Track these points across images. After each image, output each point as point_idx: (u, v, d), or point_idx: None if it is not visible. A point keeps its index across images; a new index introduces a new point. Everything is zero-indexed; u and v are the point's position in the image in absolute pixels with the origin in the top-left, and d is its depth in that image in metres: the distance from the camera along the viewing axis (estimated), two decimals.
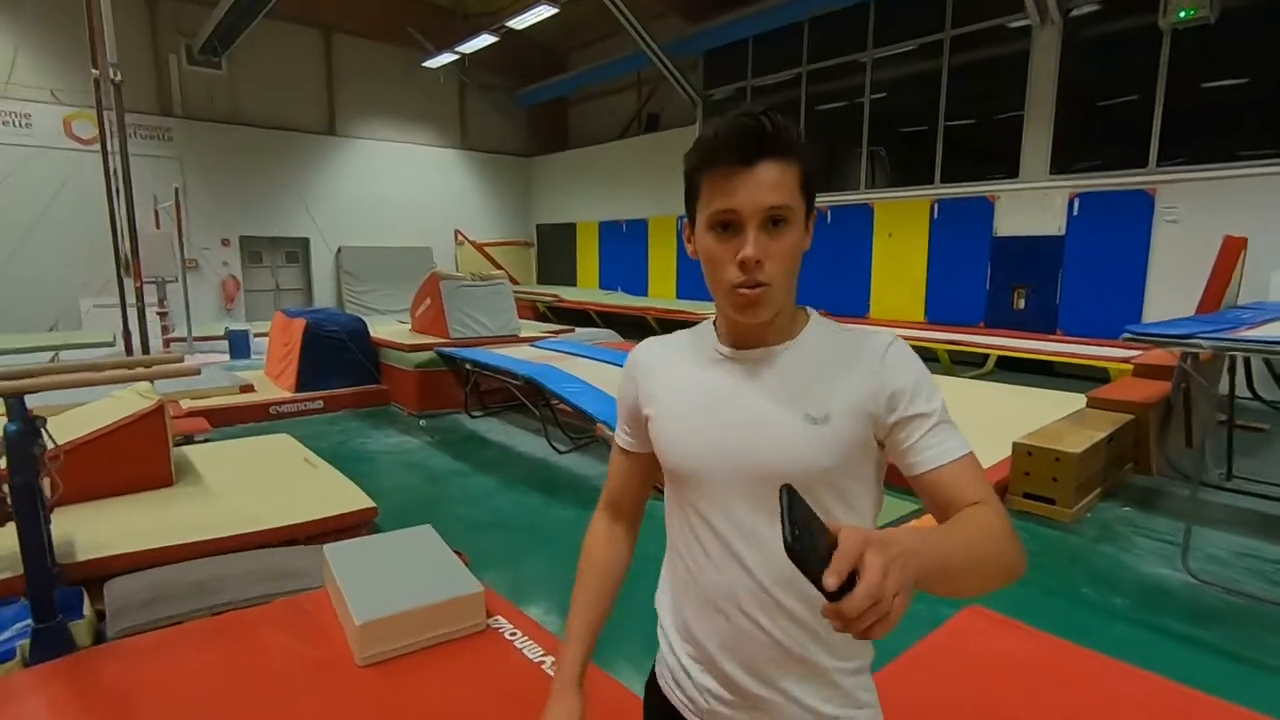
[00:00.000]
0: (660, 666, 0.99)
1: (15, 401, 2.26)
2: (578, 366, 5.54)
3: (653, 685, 1.00)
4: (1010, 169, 8.42)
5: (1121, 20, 7.50)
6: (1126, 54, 7.47)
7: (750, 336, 0.86)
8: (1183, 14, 6.76)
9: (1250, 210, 6.69)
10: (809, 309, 0.90)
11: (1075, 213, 7.88)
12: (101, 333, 8.88)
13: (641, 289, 13.45)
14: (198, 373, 2.51)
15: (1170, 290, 7.23)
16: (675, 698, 0.94)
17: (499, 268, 14.22)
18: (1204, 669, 2.40)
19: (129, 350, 5.75)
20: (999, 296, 8.54)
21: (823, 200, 10.17)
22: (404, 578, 2.33)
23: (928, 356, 8.16)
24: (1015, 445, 3.83)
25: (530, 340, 7.05)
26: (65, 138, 10.49)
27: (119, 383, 2.64)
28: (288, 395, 6.11)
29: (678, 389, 0.90)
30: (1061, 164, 7.99)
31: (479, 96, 15.07)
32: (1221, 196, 6.90)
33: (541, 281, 15.93)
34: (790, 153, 0.78)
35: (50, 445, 2.42)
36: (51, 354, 7.47)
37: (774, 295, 0.81)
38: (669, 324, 11.37)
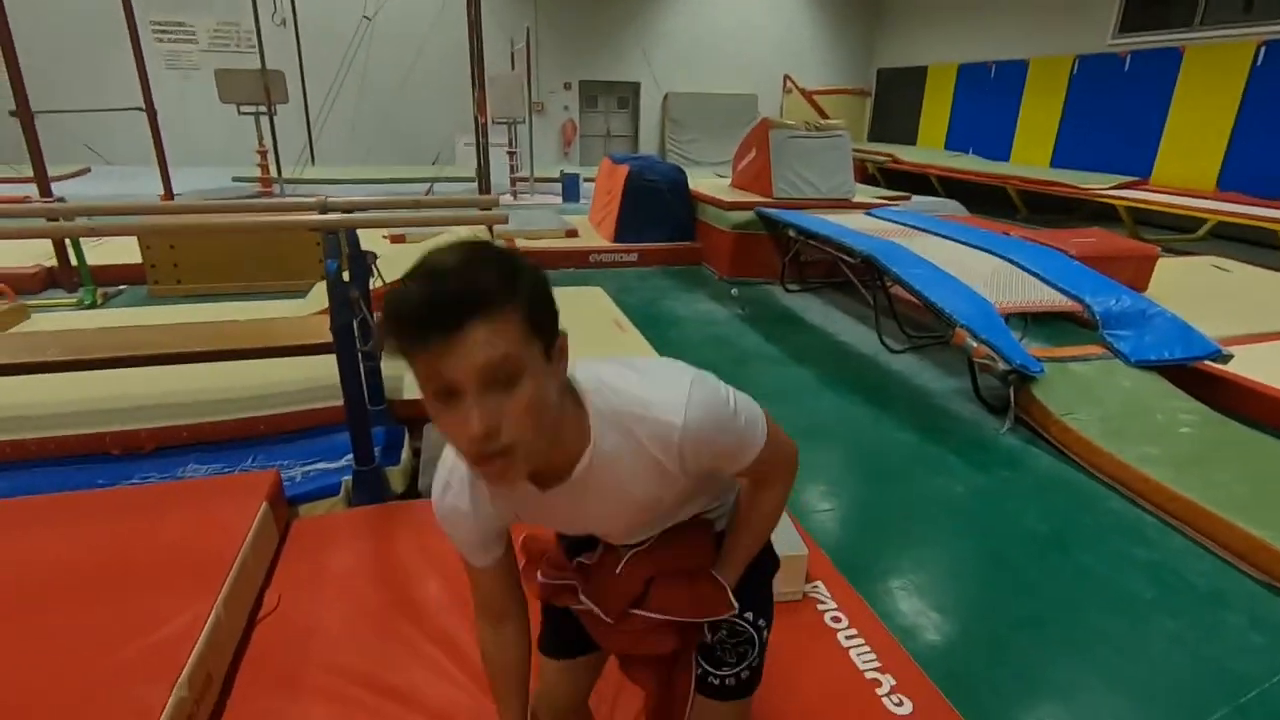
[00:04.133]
0: None
1: (346, 235, 2.17)
2: (926, 246, 4.43)
3: None
4: None
5: None
6: None
7: (536, 471, 0.80)
8: None
9: None
10: (575, 382, 0.80)
11: None
12: (468, 169, 9.99)
13: (1002, 152, 10.90)
14: (504, 218, 2.22)
15: None
16: None
17: (826, 119, 12.71)
18: None
19: (481, 186, 6.18)
20: None
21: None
22: None
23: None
24: None
25: (865, 207, 5.97)
26: None
27: (425, 224, 2.48)
28: (606, 245, 6.07)
29: (507, 510, 0.89)
30: None
31: None
32: None
33: (874, 138, 13.95)
34: (495, 305, 0.63)
35: (377, 281, 2.36)
36: (428, 185, 8.52)
37: (523, 456, 0.69)
38: (1034, 198, 9.07)
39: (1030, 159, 10.37)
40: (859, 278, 4.35)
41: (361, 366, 2.25)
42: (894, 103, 13.64)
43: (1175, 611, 1.99)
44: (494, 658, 1.00)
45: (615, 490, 0.83)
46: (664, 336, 4.21)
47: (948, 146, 12.11)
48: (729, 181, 6.87)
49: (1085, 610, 2.01)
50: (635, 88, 13.25)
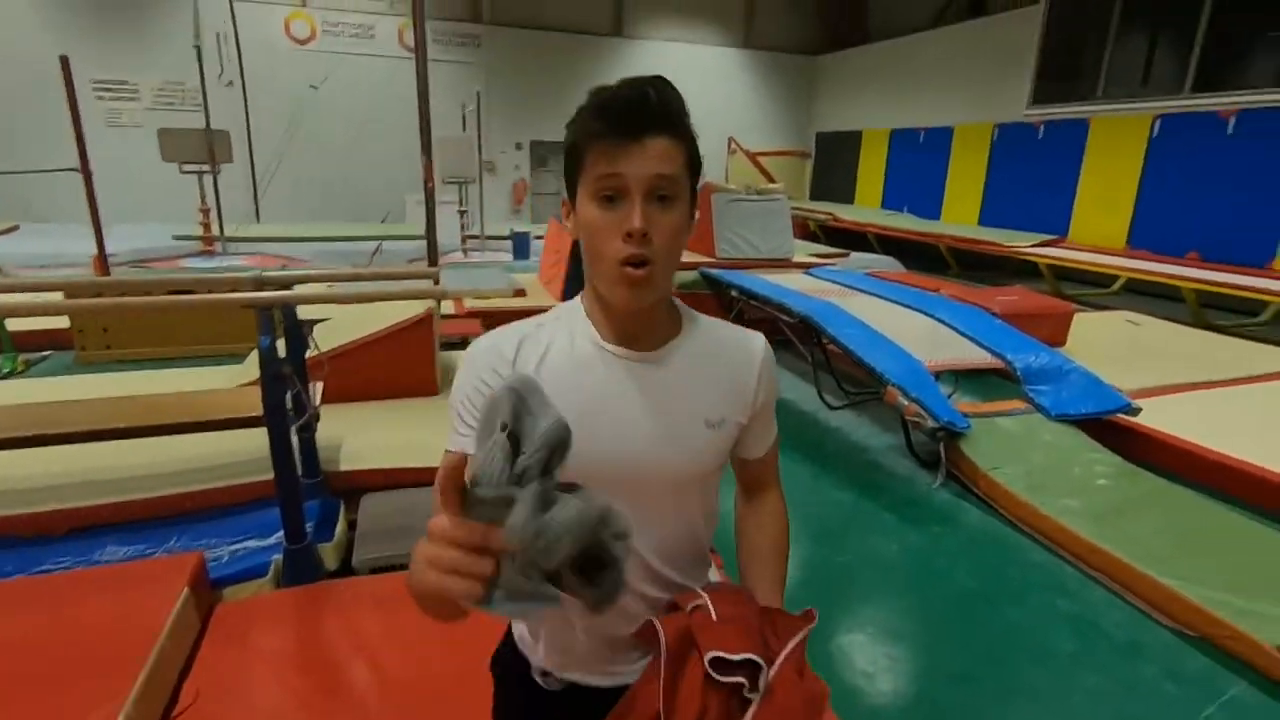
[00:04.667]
0: (530, 650, 0.90)
1: (282, 311, 2.16)
2: (861, 305, 4.63)
3: (508, 669, 0.94)
4: None
5: None
6: None
7: (636, 329, 0.82)
8: None
9: None
10: (673, 299, 0.88)
11: None
12: (419, 226, 10.01)
13: (934, 211, 11.54)
14: (443, 294, 2.24)
15: None
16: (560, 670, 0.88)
17: (770, 180, 13.26)
18: None
19: (430, 246, 6.19)
20: None
21: (1227, 102, 7.42)
22: None
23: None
24: None
25: (804, 267, 6.21)
26: (398, 45, 11.69)
27: (369, 299, 2.49)
28: (555, 304, 6.14)
29: (567, 389, 0.75)
30: None
31: None
32: None
33: (815, 197, 14.60)
34: (678, 128, 0.75)
35: (314, 351, 2.34)
36: (376, 244, 8.50)
37: (659, 275, 0.77)
38: (964, 255, 9.57)
39: (960, 218, 10.99)
40: (798, 336, 4.50)
41: (295, 439, 2.22)
42: (833, 164, 14.35)
43: (1096, 666, 2.07)
44: None
45: (693, 385, 0.83)
46: None
47: (884, 205, 12.74)
48: None
49: (1014, 665, 2.08)
50: None
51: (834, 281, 5.45)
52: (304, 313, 2.53)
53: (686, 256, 5.83)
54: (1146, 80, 8.59)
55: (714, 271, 5.55)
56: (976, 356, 3.87)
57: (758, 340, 0.90)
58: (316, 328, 3.48)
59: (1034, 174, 9.73)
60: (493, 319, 5.69)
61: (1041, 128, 9.61)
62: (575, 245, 6.17)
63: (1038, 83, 9.75)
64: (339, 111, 11.66)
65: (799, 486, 3.25)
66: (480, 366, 0.81)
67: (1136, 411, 3.52)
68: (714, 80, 13.91)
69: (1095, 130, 8.89)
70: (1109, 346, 5.04)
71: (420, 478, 2.65)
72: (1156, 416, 3.58)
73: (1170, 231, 7.98)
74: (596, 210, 0.75)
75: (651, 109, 0.73)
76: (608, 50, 13.15)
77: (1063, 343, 4.96)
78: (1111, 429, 3.52)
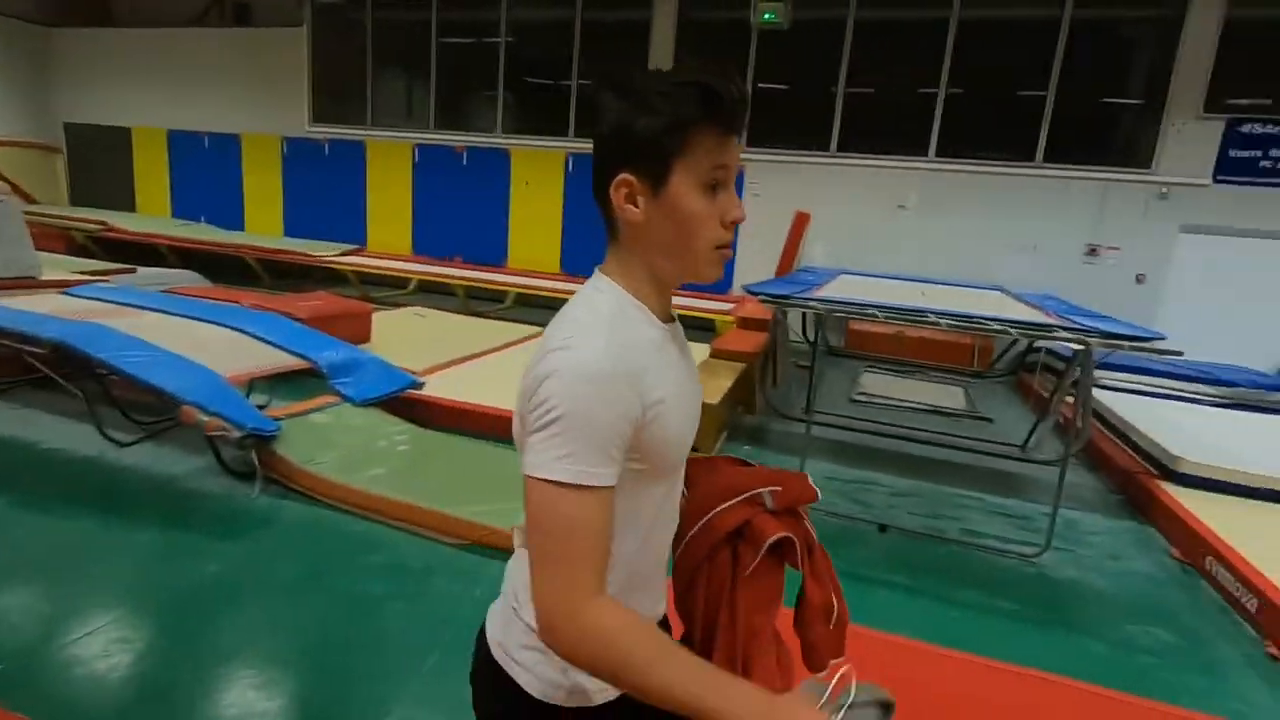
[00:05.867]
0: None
1: None
2: (143, 324, 4.08)
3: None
4: None
5: (726, 11, 8.44)
6: (730, 44, 8.47)
7: (670, 304, 0.87)
8: (766, 16, 7.90)
9: (805, 189, 8.34)
10: None
11: None
12: None
13: (236, 222, 10.98)
14: None
15: (753, 253, 8.66)
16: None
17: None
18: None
19: None
20: None
21: (459, 139, 9.61)
22: None
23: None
24: None
25: (63, 285, 5.02)
26: None
27: None
28: None
29: (661, 378, 0.80)
30: None
31: None
32: (787, 176, 8.44)
33: (79, 203, 11.85)
34: None
35: None
36: None
37: None
38: (275, 265, 9.49)
39: (264, 228, 10.79)
40: (58, 370, 3.65)
41: None
42: (98, 164, 11.90)
43: (403, 595, 2.48)
44: (640, 622, 0.72)
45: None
46: None
47: (176, 214, 11.38)
48: None
49: (347, 622, 2.28)
50: None
51: (105, 300, 4.62)
52: None
53: None
54: (410, 114, 10.21)
55: None
56: (280, 360, 3.95)
57: None
58: None
59: (328, 187, 10.36)
60: None
61: (327, 145, 10.29)
62: None
63: (316, 103, 10.37)
64: None
65: (81, 542, 2.68)
66: (622, 397, 0.73)
67: (421, 385, 4.27)
68: None
69: (372, 152, 10.07)
70: (403, 337, 5.90)
71: None
72: (440, 387, 4.42)
73: (440, 239, 9.82)
74: (701, 199, 0.77)
75: (748, 107, 0.77)
76: None
77: (367, 339, 5.54)
78: (407, 403, 4.17)
